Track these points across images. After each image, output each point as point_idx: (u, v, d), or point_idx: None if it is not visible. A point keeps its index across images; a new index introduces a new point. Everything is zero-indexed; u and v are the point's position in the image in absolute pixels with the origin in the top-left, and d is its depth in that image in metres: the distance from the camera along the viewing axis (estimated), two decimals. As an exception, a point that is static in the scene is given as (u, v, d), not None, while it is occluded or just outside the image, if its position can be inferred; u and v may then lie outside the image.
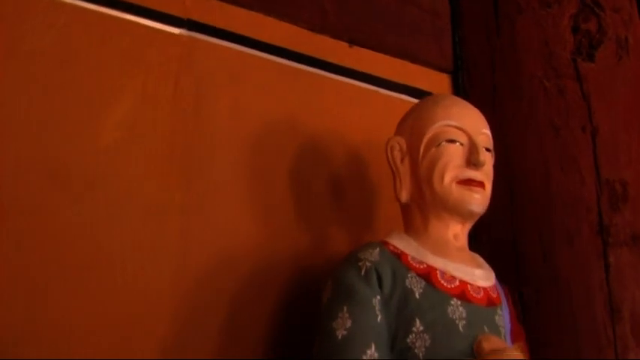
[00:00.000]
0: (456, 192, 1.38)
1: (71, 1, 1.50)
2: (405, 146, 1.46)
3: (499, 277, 1.49)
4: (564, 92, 1.85)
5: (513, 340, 1.42)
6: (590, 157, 1.79)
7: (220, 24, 1.68)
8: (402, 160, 1.46)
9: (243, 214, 1.60)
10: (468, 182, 1.39)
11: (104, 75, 1.50)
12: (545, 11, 1.92)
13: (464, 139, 1.41)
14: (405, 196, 1.45)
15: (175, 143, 1.55)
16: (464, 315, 1.31)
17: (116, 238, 1.43)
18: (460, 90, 2.01)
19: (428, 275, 1.34)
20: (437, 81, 2.00)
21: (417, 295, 1.30)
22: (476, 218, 1.44)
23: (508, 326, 1.41)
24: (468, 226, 1.45)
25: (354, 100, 1.84)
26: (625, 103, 1.88)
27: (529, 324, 1.70)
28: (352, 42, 1.87)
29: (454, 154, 1.40)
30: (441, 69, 2.04)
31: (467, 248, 1.46)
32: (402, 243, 1.40)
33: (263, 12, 1.75)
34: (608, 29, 1.92)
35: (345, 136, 1.78)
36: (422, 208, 1.44)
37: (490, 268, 1.46)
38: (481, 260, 1.48)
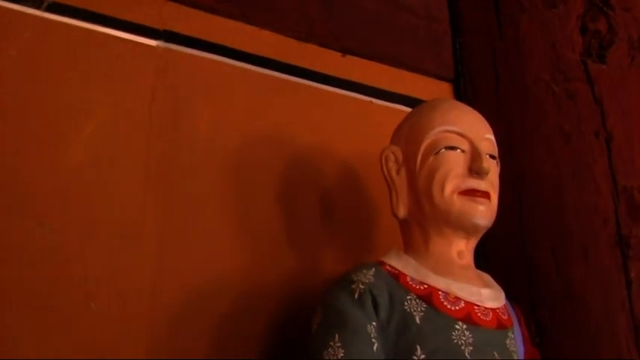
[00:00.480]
0: (459, 204, 1.25)
1: (38, 13, 1.39)
2: (400, 156, 1.34)
3: (511, 295, 1.36)
4: (574, 96, 1.72)
5: (527, 366, 1.28)
6: (605, 164, 1.65)
7: (200, 34, 1.57)
8: (397, 172, 1.33)
9: (225, 238, 1.48)
10: (472, 192, 1.26)
11: (73, 90, 1.39)
12: (550, 12, 1.80)
13: (465, 145, 1.28)
14: (402, 211, 1.32)
15: (151, 161, 1.44)
16: (470, 340, 1.17)
17: (87, 264, 1.31)
18: (462, 98, 1.88)
19: (429, 297, 1.21)
20: (437, 90, 1.87)
21: (417, 320, 1.17)
22: (481, 233, 1.30)
23: (521, 350, 1.27)
24: (474, 241, 1.32)
25: (347, 112, 1.72)
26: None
27: (544, 345, 1.57)
28: (343, 50, 1.75)
29: (455, 162, 1.27)
30: (441, 77, 1.91)
31: (473, 266, 1.32)
32: (401, 262, 1.27)
33: (245, 21, 1.64)
34: (619, 29, 1.79)
35: (338, 150, 1.66)
36: (421, 223, 1.30)
37: (500, 288, 1.32)
38: (489, 279, 1.34)
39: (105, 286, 1.32)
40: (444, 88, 1.90)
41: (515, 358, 1.23)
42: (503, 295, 1.31)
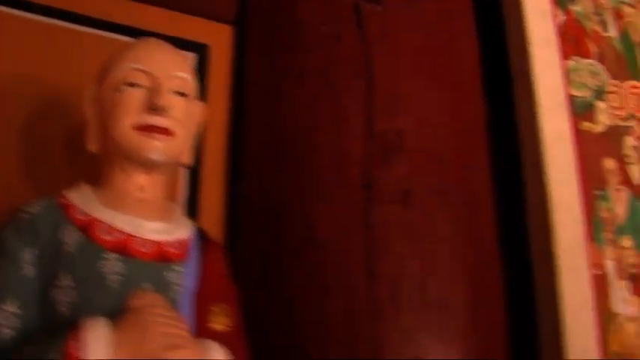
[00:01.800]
0: (135, 139, 1.27)
1: None
2: (96, 93, 1.35)
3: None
4: (342, 39, 1.71)
5: (203, 302, 1.29)
6: (362, 107, 1.64)
7: None
8: (92, 108, 1.36)
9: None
10: (148, 128, 1.27)
11: None
12: (328, -50, 1.77)
13: (147, 82, 1.29)
14: (93, 145, 1.35)
15: None
16: (122, 270, 1.20)
17: None
18: (242, 40, 1.87)
19: (86, 228, 1.23)
20: (216, 32, 1.87)
21: (69, 249, 1.20)
22: (163, 168, 1.32)
23: (189, 285, 1.28)
24: (158, 177, 1.33)
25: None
26: (413, 49, 1.73)
27: (289, 291, 1.58)
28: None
29: (134, 98, 1.28)
30: (221, 19, 1.90)
31: (157, 201, 1.33)
32: (77, 195, 1.30)
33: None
34: (400, -34, 1.76)
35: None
36: (108, 158, 1.33)
37: (184, 222, 1.36)
38: (175, 214, 1.36)
39: None
40: (224, 30, 1.89)
41: (177, 290, 1.25)
42: (184, 229, 1.33)
